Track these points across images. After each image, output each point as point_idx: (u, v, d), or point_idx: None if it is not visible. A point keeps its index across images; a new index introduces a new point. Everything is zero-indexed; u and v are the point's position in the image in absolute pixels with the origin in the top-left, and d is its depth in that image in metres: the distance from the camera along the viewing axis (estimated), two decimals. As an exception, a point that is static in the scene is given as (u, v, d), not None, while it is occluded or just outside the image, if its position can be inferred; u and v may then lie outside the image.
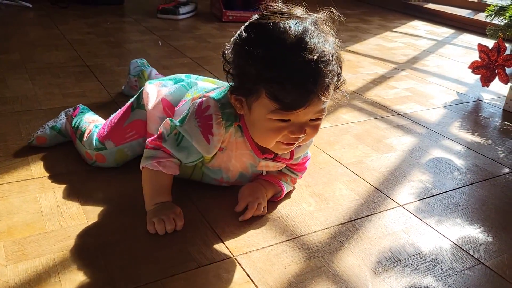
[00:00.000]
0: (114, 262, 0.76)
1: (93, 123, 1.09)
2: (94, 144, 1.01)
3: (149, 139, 0.89)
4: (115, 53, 1.87)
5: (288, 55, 0.72)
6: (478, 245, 0.89)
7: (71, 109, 1.17)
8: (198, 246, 0.82)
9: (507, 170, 1.19)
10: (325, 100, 0.76)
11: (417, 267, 0.82)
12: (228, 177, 0.95)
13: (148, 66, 1.45)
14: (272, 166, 0.95)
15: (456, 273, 0.81)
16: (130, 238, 0.83)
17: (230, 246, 0.83)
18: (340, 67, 0.80)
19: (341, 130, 1.35)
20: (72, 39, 2.00)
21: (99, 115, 1.17)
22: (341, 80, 0.82)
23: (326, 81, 0.74)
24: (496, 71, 1.73)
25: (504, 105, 1.62)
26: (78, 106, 1.17)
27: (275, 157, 0.92)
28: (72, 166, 1.04)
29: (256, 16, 0.78)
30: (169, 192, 0.90)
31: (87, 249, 0.79)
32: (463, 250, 0.87)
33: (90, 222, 0.86)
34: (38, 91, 1.42)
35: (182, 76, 1.12)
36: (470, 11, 3.06)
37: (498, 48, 1.69)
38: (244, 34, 0.76)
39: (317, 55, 0.73)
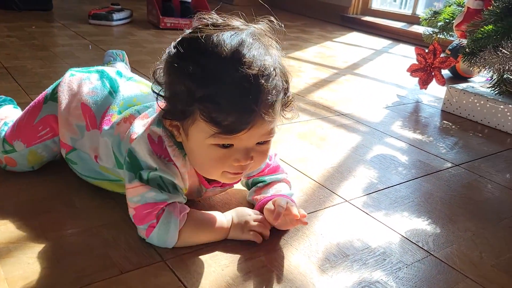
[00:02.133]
0: (16, 272, 0.64)
1: (2, 120, 0.94)
2: (2, 146, 0.88)
3: (140, 221, 0.71)
4: (39, 56, 1.71)
5: (223, 71, 0.64)
6: (426, 237, 0.84)
7: None
8: (121, 249, 0.71)
9: (449, 165, 1.18)
10: (270, 120, 0.66)
11: (366, 262, 0.75)
12: None
13: (118, 59, 1.31)
14: (220, 191, 0.88)
15: (406, 266, 0.76)
16: (36, 246, 0.70)
17: (160, 250, 0.72)
18: (287, 81, 0.71)
19: (284, 130, 1.29)
20: (-10, 42, 1.82)
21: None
22: (289, 97, 0.73)
23: (269, 97, 0.65)
24: (433, 73, 1.75)
25: (442, 106, 1.63)
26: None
27: (223, 183, 0.82)
28: (-25, 169, 0.89)
29: (188, 30, 0.69)
30: (213, 216, 0.76)
31: (-16, 260, 0.66)
32: (412, 242, 0.82)
33: (-9, 229, 0.72)
34: None
35: (112, 72, 0.93)
36: (405, 23, 3.16)
37: (434, 51, 1.72)
38: (174, 50, 0.67)
39: (257, 69, 0.63)
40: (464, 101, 1.55)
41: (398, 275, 0.73)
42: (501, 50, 1.11)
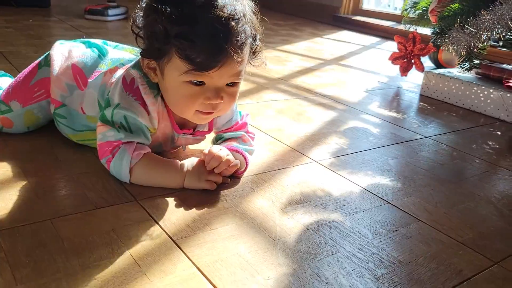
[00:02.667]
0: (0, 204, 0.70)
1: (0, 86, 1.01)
2: None
3: (103, 155, 0.80)
4: (33, 43, 1.79)
5: (198, 12, 0.70)
6: (386, 190, 0.90)
7: None
8: (98, 191, 0.77)
9: (419, 136, 1.24)
10: (239, 59, 0.73)
11: (326, 207, 0.81)
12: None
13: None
14: (192, 140, 0.92)
15: (363, 210, 0.81)
16: (18, 186, 0.76)
17: (134, 192, 0.78)
18: (255, 29, 0.78)
19: (263, 106, 1.35)
20: (-13, 31, 1.89)
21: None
22: (257, 44, 0.80)
23: (238, 38, 0.72)
24: (412, 60, 1.82)
25: (420, 90, 1.70)
26: None
27: (194, 132, 0.89)
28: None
29: None
30: (167, 160, 0.83)
31: (-30, 196, 0.72)
32: (372, 193, 0.88)
33: (-22, 174, 0.78)
34: None
35: (99, 41, 1.00)
36: (394, 22, 3.24)
37: (414, 39, 1.79)
38: None
39: (228, 12, 0.71)
40: (441, 85, 1.61)
41: (354, 217, 0.79)
42: (467, 28, 1.18)
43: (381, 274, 0.65)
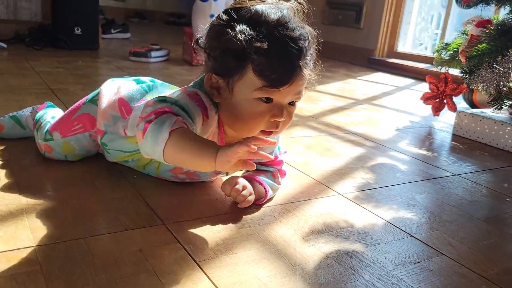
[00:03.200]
0: (38, 223, 0.75)
1: (50, 116, 1.09)
2: (44, 134, 1.02)
3: (145, 115, 0.74)
4: (81, 82, 1.92)
5: (273, 31, 0.75)
6: (410, 224, 0.90)
7: (38, 105, 1.18)
8: (129, 215, 0.82)
9: (448, 174, 1.23)
10: (305, 77, 0.78)
11: (347, 237, 0.82)
12: (188, 168, 0.90)
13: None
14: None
15: (385, 242, 0.82)
16: (59, 208, 0.82)
17: (162, 216, 0.82)
18: (315, 49, 0.83)
19: (292, 141, 1.39)
20: (40, 71, 2.05)
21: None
22: (315, 64, 0.84)
23: (307, 57, 0.78)
24: (445, 100, 1.82)
25: (453, 130, 1.69)
26: (46, 103, 1.17)
27: None
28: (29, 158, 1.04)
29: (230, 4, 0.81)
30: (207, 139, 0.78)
31: (11, 210, 0.78)
32: (396, 226, 0.89)
33: (22, 191, 0.85)
34: (-3, 104, 1.44)
35: (147, 79, 1.06)
36: (429, 64, 3.25)
37: (445, 79, 1.80)
38: (225, 16, 0.78)
39: (298, 33, 0.76)
40: (473, 124, 1.60)
41: (376, 248, 0.79)
42: (495, 67, 1.19)
43: (399, 303, 0.65)
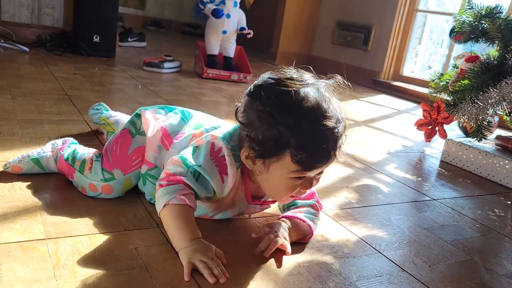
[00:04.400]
0: (51, 219, 0.87)
1: (92, 154, 1.04)
2: (102, 175, 0.98)
3: (161, 179, 0.85)
4: (96, 89, 2.05)
5: (311, 123, 0.78)
6: (381, 242, 1.00)
7: (59, 142, 1.11)
8: (128, 217, 0.93)
9: (427, 198, 1.32)
10: (337, 158, 0.83)
11: (321, 249, 0.92)
12: (212, 214, 0.95)
13: (106, 110, 1.43)
14: (259, 209, 1.01)
15: (354, 256, 0.92)
16: (71, 204, 0.93)
17: (158, 220, 0.93)
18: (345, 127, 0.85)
19: (286, 159, 1.49)
20: (58, 76, 2.19)
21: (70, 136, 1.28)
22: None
23: (341, 142, 0.83)
24: (436, 128, 1.92)
25: (441, 156, 1.78)
26: (67, 140, 1.12)
27: (262, 202, 0.97)
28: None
29: (267, 76, 0.83)
30: (197, 228, 0.83)
31: (27, 207, 0.89)
32: (366, 243, 0.98)
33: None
34: (17, 107, 1.57)
35: (177, 108, 1.08)
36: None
37: (438, 108, 1.90)
38: (266, 99, 0.80)
39: (334, 120, 0.79)
40: (460, 152, 1.70)
41: (344, 260, 0.89)
42: (476, 102, 1.29)
43: (355, 309, 0.74)
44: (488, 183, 1.57)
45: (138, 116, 1.04)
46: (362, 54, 3.80)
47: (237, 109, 0.86)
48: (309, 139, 0.78)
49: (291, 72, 0.83)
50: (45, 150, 1.09)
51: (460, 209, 1.28)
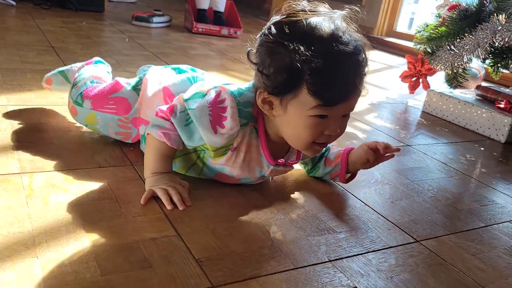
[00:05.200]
0: (27, 155, 0.91)
1: (91, 79, 1.07)
2: (76, 96, 1.02)
3: (160, 108, 0.86)
4: (81, 42, 2.05)
5: (328, 48, 0.71)
6: (350, 182, 1.04)
7: (88, 60, 1.17)
8: (104, 156, 0.96)
9: (402, 145, 1.36)
10: (361, 91, 0.77)
11: (288, 186, 0.96)
12: (232, 175, 0.89)
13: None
14: (282, 171, 0.93)
15: (320, 194, 0.96)
16: (47, 143, 0.97)
17: (132, 159, 0.97)
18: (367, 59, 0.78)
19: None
20: (45, 29, 2.18)
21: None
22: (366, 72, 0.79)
23: (363, 72, 0.75)
24: (420, 80, 1.93)
25: (423, 107, 1.81)
26: (94, 58, 1.18)
27: (285, 162, 0.90)
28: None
29: (278, 17, 0.77)
30: (171, 164, 0.87)
31: (4, 145, 0.93)
32: (335, 182, 1.02)
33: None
34: (0, 57, 1.58)
35: (186, 67, 1.08)
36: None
37: (422, 60, 1.90)
38: (277, 31, 0.74)
39: (353, 46, 0.73)
40: (440, 103, 1.72)
41: (310, 196, 0.93)
42: (452, 49, 1.30)
43: (310, 232, 0.79)
44: (466, 131, 1.60)
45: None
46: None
47: (248, 52, 0.80)
48: (323, 63, 0.70)
49: (304, 4, 0.77)
50: (74, 66, 1.17)
51: (433, 154, 1.32)
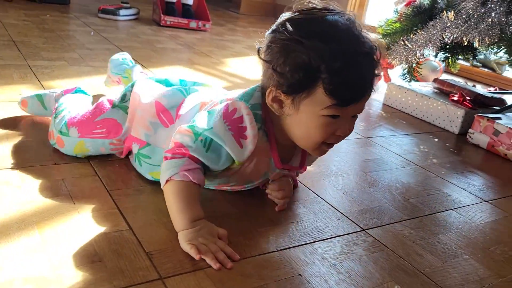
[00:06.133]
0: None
1: (73, 108, 1.01)
2: (60, 126, 0.95)
3: (167, 150, 0.78)
4: (45, 35, 2.02)
5: (344, 48, 0.71)
6: (305, 174, 1.08)
7: (70, 86, 1.13)
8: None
9: (359, 137, 1.40)
10: (372, 92, 0.76)
11: (243, 180, 0.99)
12: (235, 183, 0.88)
13: (132, 63, 1.31)
14: (283, 174, 0.91)
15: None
16: (3, 139, 0.97)
17: (92, 161, 0.98)
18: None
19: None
20: (6, 23, 2.14)
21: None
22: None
23: (376, 72, 0.75)
24: (382, 73, 1.99)
25: (384, 100, 1.86)
26: (75, 87, 1.13)
27: (291, 166, 0.90)
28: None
29: (289, 14, 0.76)
30: (201, 208, 0.77)
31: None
32: (289, 174, 1.06)
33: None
34: (-42, 52, 1.55)
35: (176, 79, 1.04)
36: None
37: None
38: (294, 28, 0.72)
39: (368, 47, 0.73)
40: (399, 96, 1.78)
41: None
42: (406, 44, 1.35)
43: (262, 223, 0.83)
44: (423, 123, 1.66)
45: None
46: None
47: (258, 50, 0.77)
48: (342, 63, 0.69)
49: (316, 2, 0.76)
50: (52, 91, 1.11)
51: (388, 146, 1.37)
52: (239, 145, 0.77)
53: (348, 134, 0.79)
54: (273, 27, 0.77)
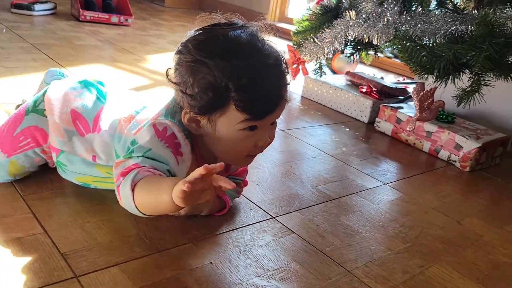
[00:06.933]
0: None
1: None
2: None
3: (115, 181, 0.72)
4: (-49, 34, 1.91)
5: (249, 63, 0.72)
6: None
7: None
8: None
9: (276, 130, 1.49)
10: (287, 100, 0.77)
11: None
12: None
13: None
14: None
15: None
16: None
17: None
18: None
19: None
20: None
21: None
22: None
23: (286, 81, 0.76)
24: (300, 66, 2.09)
25: (302, 92, 1.97)
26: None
27: None
28: None
29: (192, 32, 0.76)
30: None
31: None
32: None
33: None
34: None
35: (93, 80, 0.97)
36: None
37: (300, 48, 2.06)
38: (195, 49, 0.72)
39: (274, 58, 0.74)
40: (316, 88, 1.89)
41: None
42: (315, 42, 1.44)
43: (180, 218, 0.88)
44: (337, 114, 1.78)
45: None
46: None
47: (167, 72, 0.77)
48: (248, 79, 0.70)
49: (218, 18, 0.77)
50: None
51: (303, 137, 1.46)
52: (176, 162, 0.76)
53: (270, 142, 0.82)
54: (178, 47, 0.77)
